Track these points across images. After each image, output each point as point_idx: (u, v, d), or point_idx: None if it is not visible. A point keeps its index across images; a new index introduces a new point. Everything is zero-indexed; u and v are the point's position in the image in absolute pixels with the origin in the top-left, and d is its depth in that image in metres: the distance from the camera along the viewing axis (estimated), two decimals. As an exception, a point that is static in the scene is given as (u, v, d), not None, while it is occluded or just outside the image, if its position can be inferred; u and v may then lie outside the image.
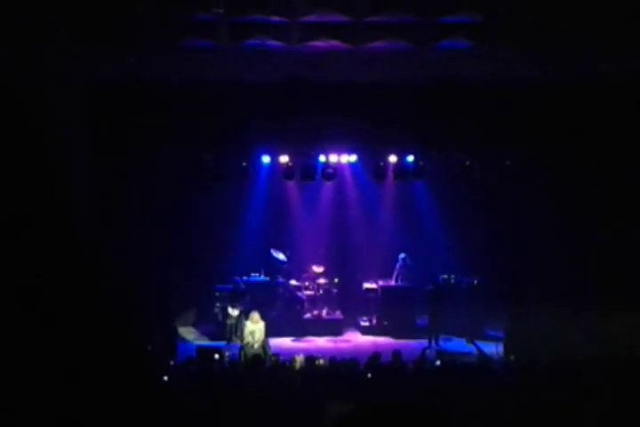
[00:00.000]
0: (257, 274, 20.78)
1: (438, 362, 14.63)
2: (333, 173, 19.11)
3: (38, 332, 2.81)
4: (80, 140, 14.48)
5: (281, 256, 21.01)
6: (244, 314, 18.39)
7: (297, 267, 21.17)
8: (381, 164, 19.04)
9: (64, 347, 2.86)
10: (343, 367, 13.68)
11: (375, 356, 14.27)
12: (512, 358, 15.87)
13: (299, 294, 20.70)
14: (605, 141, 16.24)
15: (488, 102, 15.87)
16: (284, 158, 18.86)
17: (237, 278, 19.98)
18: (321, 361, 14.03)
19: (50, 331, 2.82)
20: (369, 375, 13.21)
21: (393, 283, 20.96)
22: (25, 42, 12.16)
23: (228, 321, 19.11)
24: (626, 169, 16.55)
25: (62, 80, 13.91)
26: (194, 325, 20.67)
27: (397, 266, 20.97)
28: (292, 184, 21.40)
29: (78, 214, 3.03)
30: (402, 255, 20.91)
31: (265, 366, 14.40)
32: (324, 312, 20.72)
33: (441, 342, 19.25)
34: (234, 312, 19.04)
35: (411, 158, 18.84)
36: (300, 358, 14.24)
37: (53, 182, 2.95)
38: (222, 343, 18.28)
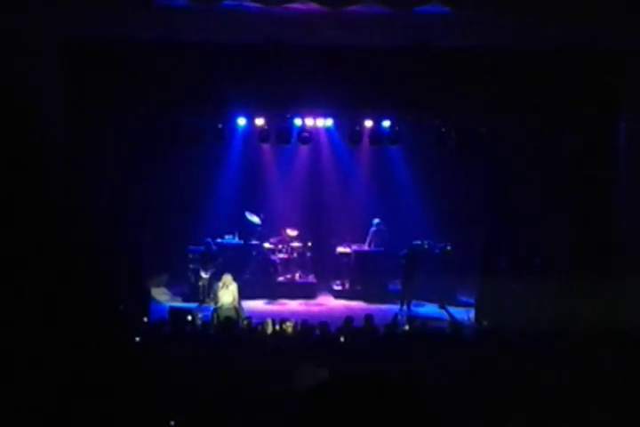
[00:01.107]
0: (231, 236, 20.77)
1: (409, 327, 14.73)
2: (309, 136, 19.10)
3: (7, 290, 2.79)
4: (54, 101, 14.35)
5: (255, 219, 20.99)
6: (216, 276, 18.39)
7: (271, 230, 21.16)
8: (357, 128, 19.03)
9: (33, 306, 2.85)
10: (315, 331, 13.74)
11: (348, 320, 14.34)
12: (484, 323, 15.98)
13: (272, 257, 20.72)
14: (582, 110, 16.29)
15: (465, 69, 15.85)
16: (259, 121, 18.80)
17: (209, 240, 19.96)
18: (288, 324, 14.06)
19: (19, 289, 2.81)
20: (342, 339, 13.27)
21: (366, 248, 21.02)
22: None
23: (200, 283, 19.14)
24: (601, 136, 16.61)
25: (35, 39, 13.77)
26: (167, 286, 20.64)
27: (371, 231, 21.02)
28: (267, 147, 21.36)
29: (51, 175, 3.01)
30: (376, 220, 20.96)
31: (237, 328, 14.44)
32: (297, 276, 20.77)
33: (413, 307, 19.34)
34: (205, 274, 19.06)
35: (387, 124, 18.83)
36: (270, 322, 14.30)
37: (25, 142, 2.92)
38: (195, 305, 18.31)
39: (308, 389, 2.34)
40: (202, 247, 19.92)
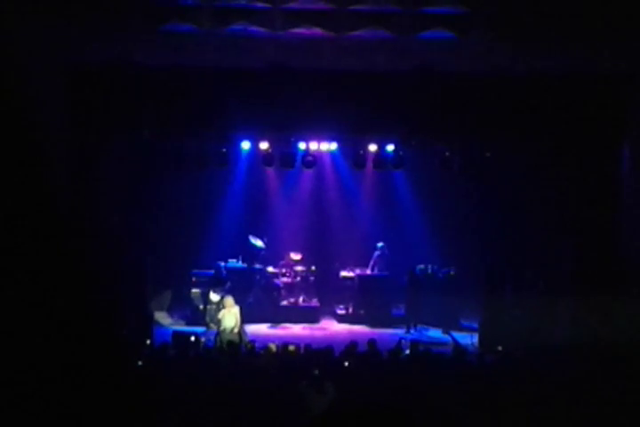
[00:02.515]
0: (235, 260, 20.76)
1: (412, 352, 14.67)
2: (313, 160, 19.12)
3: (10, 314, 2.79)
4: (59, 124, 14.40)
5: (259, 243, 21.00)
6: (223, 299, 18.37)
7: (274, 254, 21.16)
8: (361, 152, 19.06)
9: (35, 331, 2.85)
10: (319, 355, 13.69)
11: (353, 344, 14.29)
12: (489, 348, 15.91)
13: (276, 280, 20.71)
14: (585, 134, 16.31)
15: (468, 94, 15.87)
16: (264, 145, 18.86)
17: (220, 264, 19.96)
18: (291, 347, 14.01)
19: (20, 314, 2.81)
20: (346, 364, 13.22)
21: (369, 272, 20.99)
22: (3, 23, 12.05)
23: (209, 307, 19.05)
24: (604, 160, 16.62)
25: (42, 63, 13.82)
26: (168, 309, 20.61)
27: (375, 255, 21.01)
28: (271, 171, 21.41)
29: (55, 197, 3.01)
30: (380, 244, 20.96)
31: (240, 352, 14.40)
32: (301, 299, 20.74)
33: (417, 332, 19.30)
34: (215, 298, 18.97)
35: (391, 148, 18.87)
36: (274, 346, 14.25)
37: (30, 165, 2.93)
38: (199, 329, 18.23)
39: (312, 419, 2.34)
40: (209, 271, 19.92)
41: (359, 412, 2.32)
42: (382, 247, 20.95)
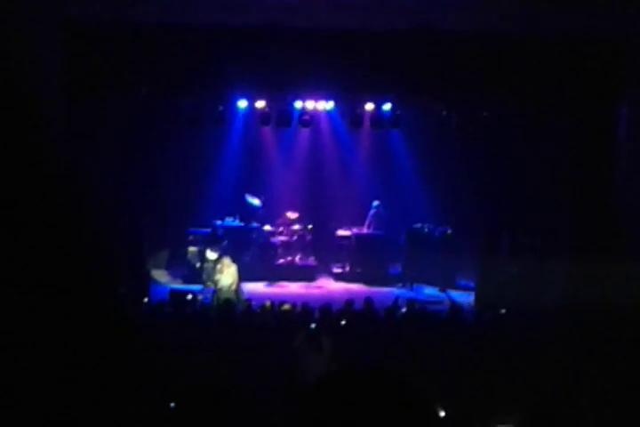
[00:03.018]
0: (231, 218, 20.79)
1: (408, 309, 14.75)
2: (310, 119, 19.08)
3: (6, 273, 2.80)
4: (53, 82, 14.32)
5: (256, 201, 21.01)
6: (221, 258, 18.41)
7: (271, 212, 21.18)
8: (358, 111, 19.00)
9: (31, 289, 2.86)
10: (316, 313, 13.77)
11: (349, 302, 14.37)
12: (486, 307, 16.00)
13: (272, 239, 20.75)
14: (583, 94, 16.26)
15: (466, 53, 15.78)
16: (260, 104, 18.79)
17: (216, 222, 19.99)
18: (287, 306, 14.08)
19: (16, 277, 2.81)
20: (343, 322, 13.31)
21: (365, 230, 21.03)
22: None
23: (206, 265, 19.10)
24: (602, 120, 16.58)
25: (38, 21, 13.73)
26: (166, 267, 20.68)
27: (370, 213, 21.04)
28: (268, 130, 21.36)
29: (50, 156, 3.01)
30: (375, 203, 20.98)
31: (237, 310, 14.47)
32: (298, 258, 20.82)
33: (413, 291, 19.41)
34: (212, 256, 19.01)
35: (387, 107, 18.80)
36: (270, 304, 14.32)
37: (25, 122, 2.92)
38: (196, 287, 18.30)
39: (309, 385, 2.35)
40: (205, 229, 19.97)
41: (352, 378, 2.34)
42: (378, 206, 20.97)
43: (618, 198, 16.44)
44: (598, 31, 15.40)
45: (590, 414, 8.80)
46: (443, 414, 7.20)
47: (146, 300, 15.57)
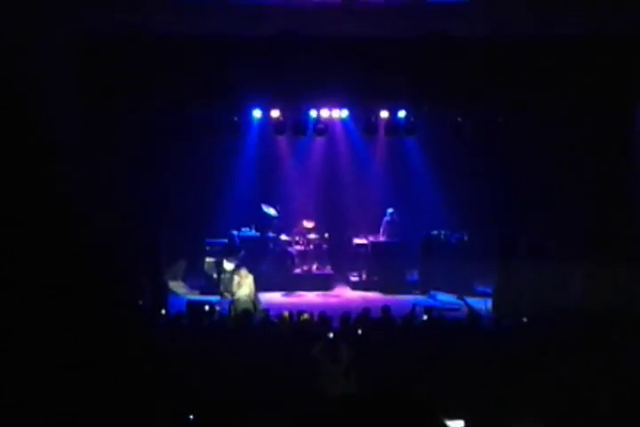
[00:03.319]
0: (247, 229, 20.80)
1: (426, 317, 14.71)
2: (324, 128, 19.09)
3: (26, 286, 2.80)
4: (70, 94, 14.38)
5: (271, 211, 21.01)
6: (238, 269, 18.40)
7: (287, 222, 21.17)
8: (372, 119, 18.99)
9: (53, 303, 2.86)
10: (334, 322, 13.73)
11: (365, 311, 14.33)
12: (505, 314, 15.93)
13: (289, 248, 20.74)
14: (598, 97, 16.21)
15: (480, 59, 15.77)
16: (275, 113, 18.81)
17: (233, 233, 19.99)
18: (306, 316, 14.06)
19: (40, 286, 2.82)
20: (359, 331, 13.27)
21: (382, 238, 20.99)
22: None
23: (223, 275, 19.10)
24: (617, 122, 16.53)
25: (53, 32, 13.79)
26: (183, 279, 20.69)
27: (384, 221, 21.01)
28: (283, 139, 21.36)
29: (66, 168, 3.02)
30: (389, 210, 20.96)
31: (254, 320, 14.45)
32: (314, 267, 20.80)
33: (430, 298, 19.36)
34: (229, 266, 19.01)
35: (402, 114, 18.79)
36: (288, 314, 14.29)
37: (42, 134, 2.93)
38: (214, 298, 18.29)
39: (326, 406, 2.35)
40: (222, 240, 19.98)
41: (372, 403, 2.33)
42: (392, 213, 20.95)
43: (634, 201, 16.38)
44: (611, 31, 15.34)
45: (610, 420, 8.75)
46: (463, 424, 7.17)
47: (163, 311, 15.58)
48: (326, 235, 21.24)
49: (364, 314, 14.26)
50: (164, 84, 15.94)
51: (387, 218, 21.01)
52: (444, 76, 15.98)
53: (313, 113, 19.00)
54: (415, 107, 18.23)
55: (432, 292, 19.74)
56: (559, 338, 12.28)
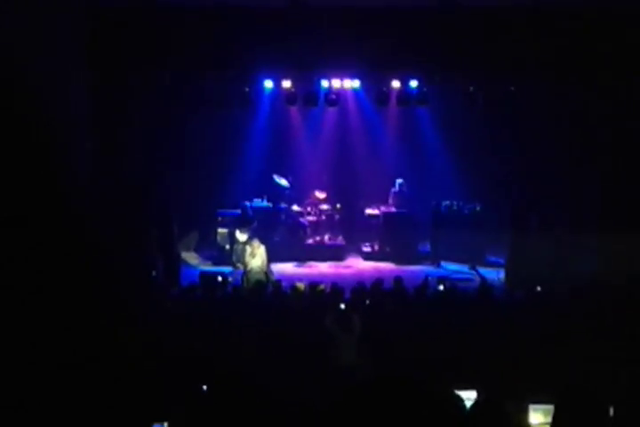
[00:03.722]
0: (259, 199, 20.81)
1: (440, 287, 14.72)
2: (336, 98, 19.01)
3: (41, 261, 2.81)
4: (80, 67, 14.34)
5: (283, 182, 21.02)
6: (251, 240, 18.42)
7: (299, 193, 21.20)
8: (384, 89, 18.88)
9: (66, 273, 2.87)
10: (346, 293, 13.74)
11: (378, 282, 14.34)
12: (518, 285, 15.91)
13: (301, 219, 20.78)
14: (610, 66, 16.08)
15: (493, 28, 15.66)
16: (286, 83, 18.73)
17: (245, 203, 20.02)
18: (322, 287, 14.09)
19: (53, 257, 2.83)
20: (367, 302, 13.29)
21: (393, 209, 20.96)
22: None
23: (235, 246, 19.14)
24: (630, 92, 16.42)
25: (62, 4, 13.72)
26: (195, 249, 20.76)
27: (392, 192, 20.97)
28: (294, 109, 21.33)
29: (78, 142, 3.02)
30: (399, 181, 20.91)
31: (267, 291, 14.48)
32: (327, 238, 20.84)
33: (442, 268, 19.38)
34: (242, 237, 19.03)
35: (414, 84, 18.69)
36: (301, 285, 14.31)
37: (51, 106, 2.92)
38: (226, 269, 18.34)
39: (341, 392, 2.35)
40: (235, 211, 19.99)
41: (382, 388, 2.32)
42: (401, 184, 20.90)
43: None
44: (631, 6, 15.19)
45: (627, 389, 8.74)
46: (476, 393, 7.18)
47: (177, 284, 15.64)
48: (338, 205, 21.27)
49: (377, 284, 14.26)
50: (175, 55, 15.89)
51: (395, 189, 20.97)
52: (456, 45, 15.87)
53: (324, 83, 18.91)
54: (427, 77, 18.13)
55: (444, 262, 19.76)
56: (573, 309, 12.28)
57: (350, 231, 21.39)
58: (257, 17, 15.63)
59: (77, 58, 14.26)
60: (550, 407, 5.60)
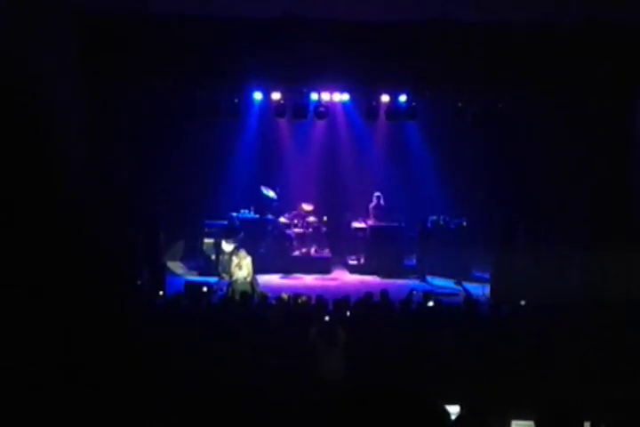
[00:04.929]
0: (246, 210, 20.81)
1: (427, 303, 14.73)
2: (325, 111, 19.03)
3: (26, 267, 2.81)
4: (71, 75, 14.34)
5: (271, 193, 21.03)
6: (237, 250, 18.43)
7: (286, 204, 21.21)
8: (374, 103, 18.92)
9: (53, 282, 2.87)
10: (333, 305, 13.75)
11: (368, 295, 14.36)
12: (503, 299, 15.95)
13: (287, 231, 20.77)
14: (599, 84, 16.17)
15: (482, 43, 15.72)
16: (276, 95, 18.74)
17: (233, 214, 20.00)
18: (303, 298, 14.09)
19: (39, 265, 2.83)
20: (348, 314, 13.30)
21: (370, 222, 20.92)
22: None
23: (221, 257, 19.15)
24: (619, 110, 16.51)
25: (55, 13, 13.73)
26: (181, 259, 20.74)
27: (371, 206, 20.96)
28: (283, 122, 21.34)
29: (68, 150, 3.02)
30: (376, 194, 20.93)
31: (252, 302, 14.49)
32: (313, 250, 20.83)
33: (428, 283, 19.40)
34: (228, 247, 19.05)
35: (403, 98, 18.73)
36: (286, 296, 14.32)
37: (42, 115, 2.93)
38: (212, 279, 18.34)
39: (325, 401, 2.36)
40: (221, 221, 19.99)
41: (376, 394, 2.33)
42: (378, 197, 20.91)
43: (634, 187, 16.38)
44: (615, 21, 15.30)
45: (606, 405, 8.77)
46: (459, 409, 7.19)
47: (161, 293, 15.62)
48: (325, 218, 21.27)
49: (367, 298, 14.29)
50: (165, 65, 15.90)
51: (373, 202, 20.96)
52: (445, 60, 15.92)
53: (314, 96, 18.92)
54: (416, 91, 18.17)
55: (430, 277, 19.77)
56: (557, 325, 12.31)
57: (337, 244, 21.40)
58: (248, 29, 15.65)
59: (70, 67, 14.26)
60: (531, 424, 5.62)
